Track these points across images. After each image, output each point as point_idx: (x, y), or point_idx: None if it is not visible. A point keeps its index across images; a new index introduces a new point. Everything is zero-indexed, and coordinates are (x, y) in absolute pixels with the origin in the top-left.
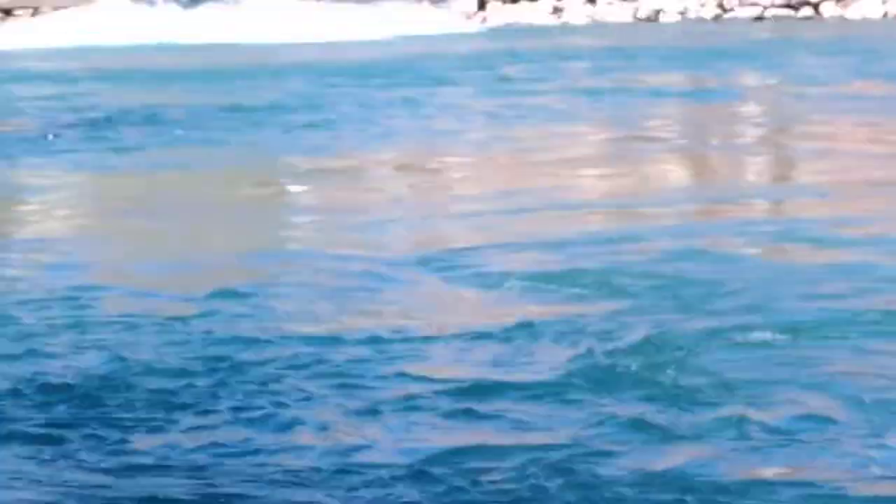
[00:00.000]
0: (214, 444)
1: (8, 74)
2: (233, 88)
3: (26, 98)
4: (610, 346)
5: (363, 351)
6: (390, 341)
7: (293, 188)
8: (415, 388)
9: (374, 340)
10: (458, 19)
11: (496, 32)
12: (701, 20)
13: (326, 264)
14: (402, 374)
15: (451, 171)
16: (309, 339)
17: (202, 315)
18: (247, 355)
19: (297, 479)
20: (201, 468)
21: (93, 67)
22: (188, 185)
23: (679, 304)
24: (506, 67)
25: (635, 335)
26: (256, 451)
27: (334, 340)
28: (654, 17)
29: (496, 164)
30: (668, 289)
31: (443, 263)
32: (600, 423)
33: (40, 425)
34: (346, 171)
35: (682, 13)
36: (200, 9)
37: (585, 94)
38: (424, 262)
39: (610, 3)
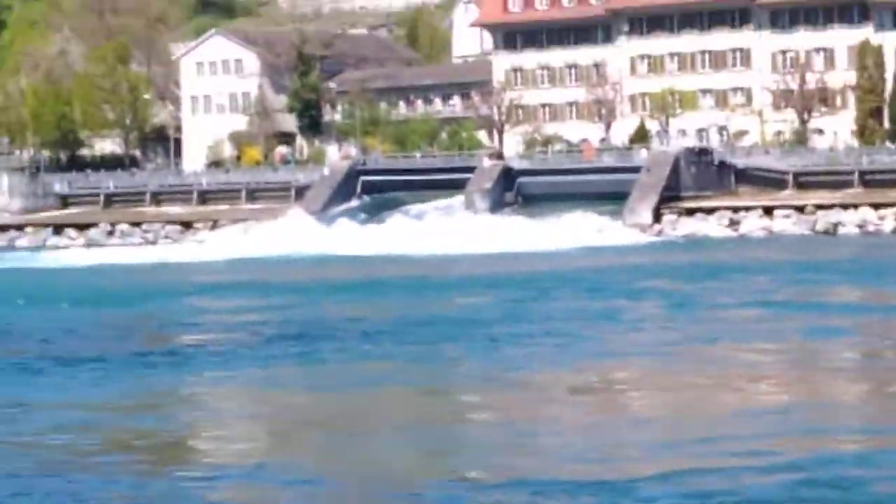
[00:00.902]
0: None
1: (191, 286)
2: (415, 301)
3: (210, 310)
4: None
5: None
6: None
7: (480, 407)
8: None
9: None
10: (633, 232)
11: (673, 245)
12: (880, 233)
13: (510, 495)
14: None
15: (632, 390)
16: None
17: None
18: None
19: None
20: None
21: (273, 280)
22: (380, 405)
23: None
24: (685, 281)
25: None
26: None
27: None
28: (832, 231)
29: (677, 383)
30: None
31: (622, 496)
32: None
33: None
34: (531, 388)
35: (860, 226)
36: (379, 223)
37: (767, 307)
38: (602, 492)
39: (787, 216)
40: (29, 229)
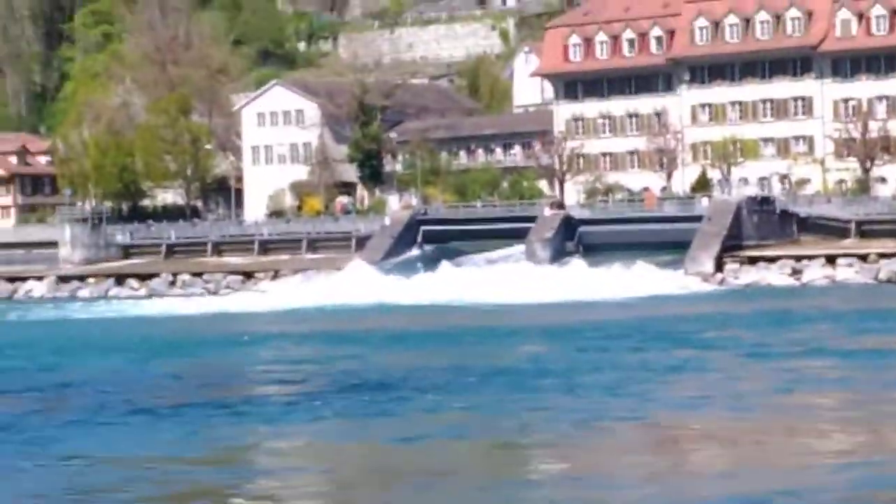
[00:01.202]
0: None
1: (252, 336)
2: (479, 351)
3: (273, 361)
4: None
5: None
6: None
7: (554, 459)
8: None
9: None
10: (695, 281)
11: (735, 293)
12: None
13: None
14: None
15: (712, 442)
16: None
17: None
18: None
19: None
20: None
21: (335, 329)
22: (450, 458)
23: None
24: (751, 330)
25: None
26: None
27: None
28: (895, 279)
29: (756, 434)
30: None
31: None
32: None
33: None
34: (605, 441)
35: None
36: (440, 272)
37: (836, 357)
38: None
39: (850, 265)
40: (91, 280)
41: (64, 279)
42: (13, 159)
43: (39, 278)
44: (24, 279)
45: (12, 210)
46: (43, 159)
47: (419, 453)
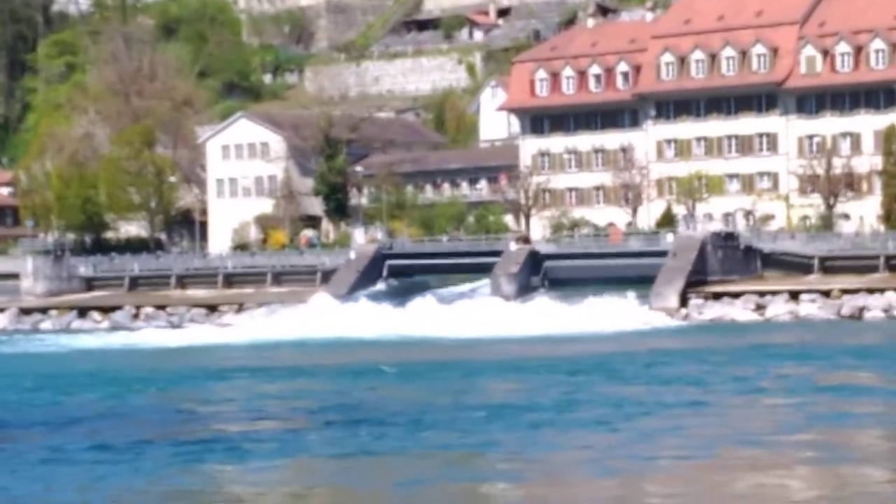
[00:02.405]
0: None
1: (217, 370)
2: (451, 386)
3: (239, 396)
4: None
5: None
6: None
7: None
8: None
9: None
10: (660, 316)
11: (700, 329)
12: None
13: None
14: None
15: (673, 481)
16: None
17: None
18: None
19: None
20: None
21: (301, 363)
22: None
23: None
24: (720, 366)
25: None
26: None
27: None
28: (857, 315)
29: (716, 474)
30: None
31: None
32: None
33: None
34: (555, 482)
35: (886, 311)
36: (406, 307)
37: (790, 392)
38: None
39: (813, 301)
40: (53, 312)
41: (26, 311)
42: None
43: (1, 310)
44: None
45: None
46: (5, 190)
47: (400, 500)
